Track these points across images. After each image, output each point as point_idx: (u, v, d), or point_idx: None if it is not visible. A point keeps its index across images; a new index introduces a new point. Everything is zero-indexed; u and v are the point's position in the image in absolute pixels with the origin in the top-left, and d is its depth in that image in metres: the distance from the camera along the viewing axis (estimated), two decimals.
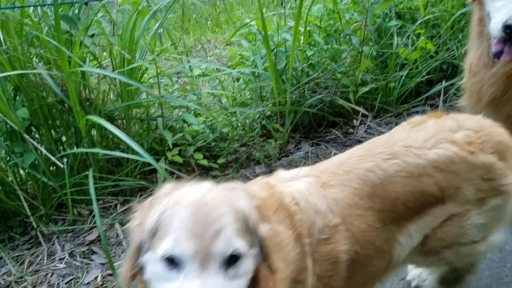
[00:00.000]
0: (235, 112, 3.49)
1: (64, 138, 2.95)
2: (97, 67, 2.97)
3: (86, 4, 2.59)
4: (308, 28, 3.23)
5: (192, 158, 3.14)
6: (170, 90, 3.56)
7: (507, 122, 2.71)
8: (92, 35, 2.71)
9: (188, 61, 3.35)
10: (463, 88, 2.66)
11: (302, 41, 3.13)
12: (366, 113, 3.41)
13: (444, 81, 3.33)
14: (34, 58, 2.73)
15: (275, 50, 3.19)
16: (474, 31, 2.52)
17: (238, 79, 3.70)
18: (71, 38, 2.73)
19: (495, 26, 2.20)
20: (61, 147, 2.97)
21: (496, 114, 2.70)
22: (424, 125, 1.71)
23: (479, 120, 1.77)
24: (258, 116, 3.38)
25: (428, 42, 3.00)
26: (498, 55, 2.24)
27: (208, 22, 6.84)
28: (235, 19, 6.49)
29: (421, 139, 1.63)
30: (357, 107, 3.37)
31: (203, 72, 3.36)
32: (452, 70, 3.42)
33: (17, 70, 2.52)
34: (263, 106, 3.34)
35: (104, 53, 3.06)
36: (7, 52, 2.45)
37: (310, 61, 3.28)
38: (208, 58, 5.50)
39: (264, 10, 6.64)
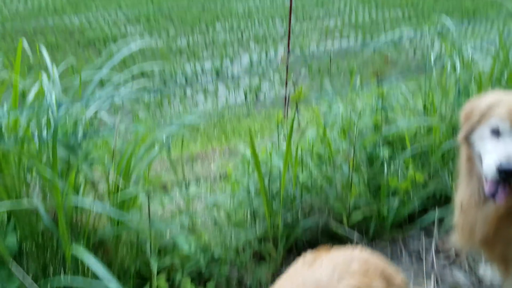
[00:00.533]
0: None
1: (52, 261, 2.94)
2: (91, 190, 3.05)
3: (85, 137, 2.74)
4: (300, 153, 3.33)
5: (180, 284, 3.07)
6: (165, 207, 3.61)
7: (502, 261, 2.63)
8: (91, 164, 2.83)
9: (185, 184, 3.44)
10: (455, 225, 2.61)
11: (294, 167, 3.21)
12: (360, 239, 3.37)
13: (437, 208, 3.32)
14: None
15: (268, 174, 3.27)
16: (463, 168, 2.50)
17: (233, 197, 3.74)
18: (69, 163, 2.85)
19: (489, 168, 2.17)
20: (51, 269, 2.95)
21: (490, 252, 2.62)
22: (319, 262, 1.79)
23: (361, 252, 1.88)
24: (250, 239, 3.36)
25: (418, 173, 3.05)
26: (492, 195, 2.20)
27: (215, 131, 7.15)
28: (241, 129, 6.78)
29: (326, 276, 1.67)
30: (350, 233, 3.34)
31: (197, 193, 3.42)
32: (445, 199, 3.42)
33: (13, 197, 2.61)
34: (255, 229, 3.33)
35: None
36: (3, 181, 2.55)
37: (302, 185, 3.34)
38: (210, 166, 5.62)
39: (266, 127, 6.90)
